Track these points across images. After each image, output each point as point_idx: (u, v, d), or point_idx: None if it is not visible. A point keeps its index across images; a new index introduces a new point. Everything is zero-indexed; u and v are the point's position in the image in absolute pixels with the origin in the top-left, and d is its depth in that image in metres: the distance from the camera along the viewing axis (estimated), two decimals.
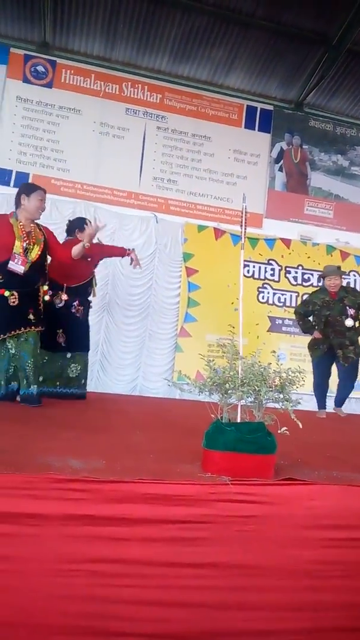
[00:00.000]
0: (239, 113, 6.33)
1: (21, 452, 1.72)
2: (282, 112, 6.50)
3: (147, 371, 5.58)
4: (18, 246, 3.13)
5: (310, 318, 4.57)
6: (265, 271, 6.22)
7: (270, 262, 6.23)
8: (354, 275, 6.29)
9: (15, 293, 3.09)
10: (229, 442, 1.56)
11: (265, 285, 6.19)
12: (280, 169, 6.44)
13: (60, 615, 1.41)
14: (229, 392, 1.58)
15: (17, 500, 1.39)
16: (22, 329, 3.12)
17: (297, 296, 6.23)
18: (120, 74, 5.97)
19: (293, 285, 6.29)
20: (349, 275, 6.24)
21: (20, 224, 3.20)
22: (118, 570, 1.44)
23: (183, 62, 6.02)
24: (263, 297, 6.16)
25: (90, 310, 5.39)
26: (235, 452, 1.55)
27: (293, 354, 6.04)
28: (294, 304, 6.21)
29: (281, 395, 1.62)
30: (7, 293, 3.08)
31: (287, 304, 6.23)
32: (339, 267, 4.69)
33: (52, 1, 5.25)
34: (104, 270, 5.45)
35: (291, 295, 6.26)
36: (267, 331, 6.09)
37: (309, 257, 6.33)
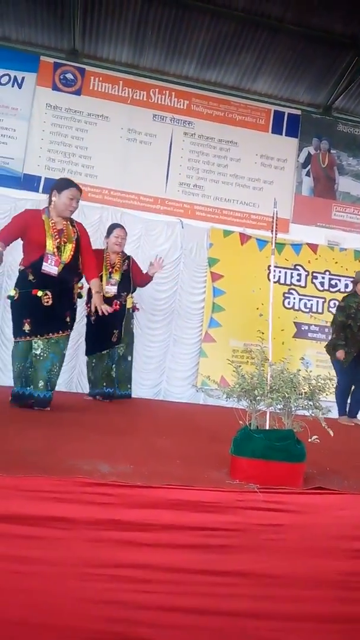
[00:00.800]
0: (266, 118, 6.30)
1: (49, 455, 1.74)
2: (310, 117, 6.45)
3: (171, 376, 5.57)
4: (50, 245, 3.01)
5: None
6: (292, 276, 6.16)
7: (297, 267, 6.17)
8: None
9: (49, 293, 2.97)
10: (258, 449, 1.54)
11: (291, 291, 6.13)
12: (308, 174, 6.38)
13: (87, 619, 1.41)
14: (258, 398, 1.57)
15: (45, 503, 1.40)
16: (60, 332, 3.02)
17: (323, 302, 6.15)
18: (148, 80, 6.01)
19: (320, 290, 6.21)
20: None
21: (52, 221, 3.08)
22: (144, 575, 1.43)
23: (211, 67, 6.02)
24: (289, 303, 6.10)
25: None
26: (264, 459, 1.53)
27: (319, 360, 5.95)
28: (320, 310, 6.13)
29: (311, 403, 1.60)
30: (40, 293, 2.96)
31: (314, 310, 6.15)
32: None
33: (81, 9, 5.32)
34: None
35: (317, 301, 6.18)
36: (293, 337, 6.02)
37: (336, 263, 6.24)
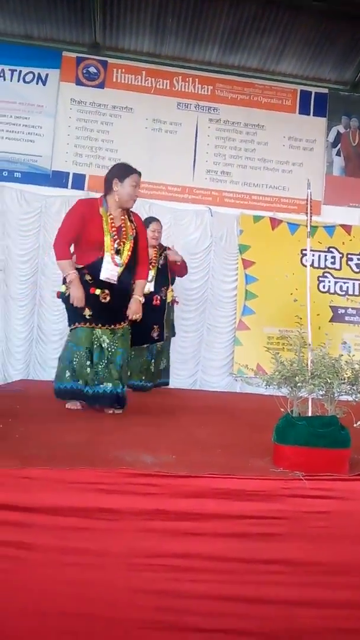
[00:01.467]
0: (293, 99, 6.15)
1: (92, 447, 1.76)
2: (338, 95, 6.26)
3: (206, 365, 5.56)
4: (108, 245, 2.75)
5: None
6: (326, 259, 6.03)
7: (331, 249, 6.04)
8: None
9: (107, 290, 2.76)
10: (301, 436, 1.52)
11: (326, 274, 6.00)
12: (338, 154, 6.21)
13: (136, 609, 1.42)
14: (299, 385, 1.54)
15: (91, 495, 1.42)
16: (123, 323, 2.83)
17: (359, 284, 6.02)
18: (170, 68, 5.95)
19: (356, 272, 6.06)
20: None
21: (110, 216, 2.80)
22: (191, 565, 1.44)
23: (233, 52, 5.92)
24: (324, 287, 5.98)
25: None
26: (308, 446, 1.51)
27: (358, 344, 5.85)
28: (357, 292, 6.00)
29: (354, 388, 1.56)
30: (98, 291, 2.74)
31: (350, 292, 6.02)
32: None
33: (101, 1, 5.30)
34: None
35: (354, 284, 6.04)
36: (330, 321, 5.91)
37: None
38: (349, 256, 6.07)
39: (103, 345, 2.76)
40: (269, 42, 5.75)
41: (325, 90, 6.24)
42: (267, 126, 6.00)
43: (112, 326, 2.80)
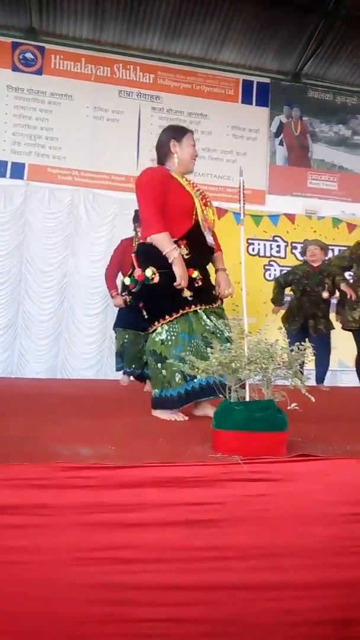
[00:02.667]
0: (235, 88, 6.19)
1: (29, 442, 1.71)
2: (280, 85, 6.35)
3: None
4: (199, 209, 2.38)
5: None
6: (271, 248, 6.13)
7: (276, 238, 6.14)
8: None
9: (199, 272, 2.37)
10: (239, 421, 1.53)
11: (271, 263, 6.11)
12: (281, 143, 6.31)
13: (82, 604, 1.40)
14: (236, 371, 1.55)
15: (27, 491, 1.38)
16: (216, 303, 2.46)
17: None
18: (111, 55, 5.85)
19: (300, 261, 6.18)
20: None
21: (184, 179, 2.46)
22: (135, 556, 1.43)
23: (175, 39, 5.88)
24: (270, 275, 6.08)
25: (96, 298, 5.41)
26: (246, 431, 1.52)
27: None
28: None
29: (290, 372, 1.59)
30: (195, 274, 2.34)
31: None
32: (318, 239, 4.83)
33: None
34: (106, 257, 5.41)
35: None
36: None
37: (315, 232, 6.22)
38: (294, 244, 6.20)
39: (219, 326, 2.21)
40: (211, 30, 5.75)
41: (268, 80, 6.33)
42: (210, 115, 6.02)
43: (211, 306, 2.39)
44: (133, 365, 4.09)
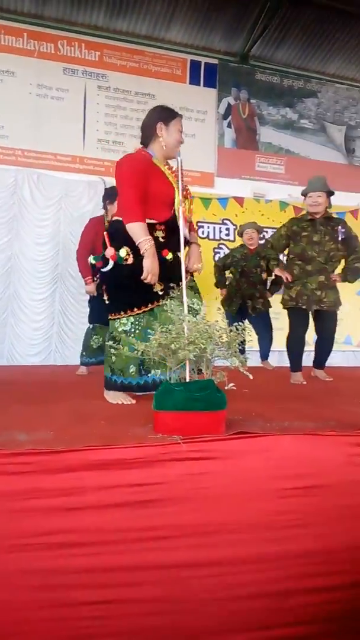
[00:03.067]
0: (183, 68, 6.12)
1: None
2: (227, 66, 6.32)
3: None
4: (178, 200, 2.29)
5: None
6: (220, 231, 6.15)
7: (225, 221, 6.17)
8: None
9: (175, 256, 2.32)
10: (179, 401, 1.54)
11: (221, 246, 6.14)
12: (229, 125, 6.30)
13: (21, 590, 1.39)
14: (176, 352, 1.55)
15: None
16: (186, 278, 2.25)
17: None
18: (54, 31, 5.64)
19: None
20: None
21: (167, 167, 2.41)
22: (74, 539, 1.42)
23: (120, 16, 5.73)
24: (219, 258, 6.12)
25: (43, 282, 5.29)
26: (185, 411, 1.53)
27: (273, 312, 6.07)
28: None
29: (229, 352, 1.60)
30: (170, 255, 2.31)
31: None
32: (254, 222, 4.96)
33: None
34: (53, 239, 5.29)
35: None
36: None
37: (262, 215, 6.29)
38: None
39: (195, 307, 2.04)
40: (157, 7, 5.64)
41: (215, 61, 6.28)
42: (158, 95, 5.93)
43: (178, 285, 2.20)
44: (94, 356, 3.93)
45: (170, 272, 2.24)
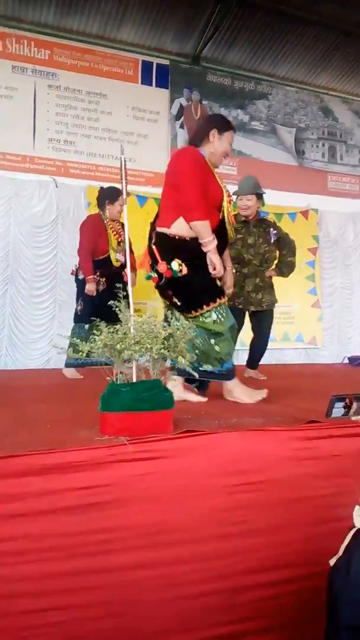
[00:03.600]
0: (135, 68, 6.09)
1: None
2: (179, 67, 6.34)
3: (60, 343, 5.40)
4: (225, 204, 2.43)
5: None
6: None
7: None
8: None
9: None
10: (125, 402, 1.53)
11: None
12: (182, 126, 6.32)
13: None
14: (122, 352, 1.54)
15: None
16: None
17: None
18: (2, 29, 5.51)
19: None
20: None
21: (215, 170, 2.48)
22: (19, 547, 1.39)
23: (71, 15, 5.65)
24: None
25: None
26: (132, 411, 1.52)
27: None
28: None
29: (173, 351, 1.61)
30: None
31: None
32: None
33: None
34: (3, 240, 5.16)
35: None
36: None
37: None
38: None
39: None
40: (108, 7, 5.60)
41: (167, 62, 6.28)
42: (109, 95, 5.90)
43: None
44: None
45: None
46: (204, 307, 2.33)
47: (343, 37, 6.29)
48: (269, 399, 2.32)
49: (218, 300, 2.35)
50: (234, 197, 3.59)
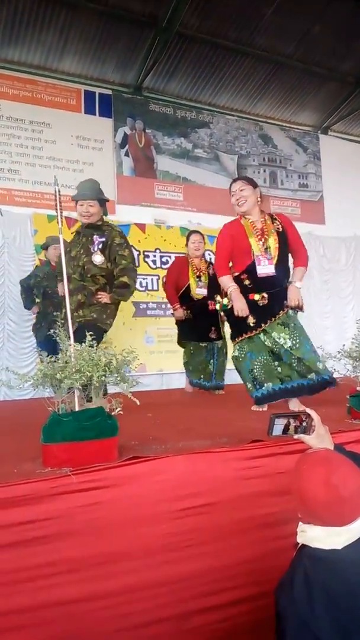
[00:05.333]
0: (77, 98, 6.16)
1: None
2: (122, 97, 6.45)
3: (10, 375, 5.26)
4: (255, 246, 2.86)
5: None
6: None
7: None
8: (209, 255, 6.52)
9: (266, 295, 2.82)
10: (68, 432, 1.51)
11: None
12: (127, 154, 6.41)
13: None
14: (62, 381, 1.53)
15: None
16: (282, 312, 2.80)
17: (157, 279, 6.31)
18: None
19: (153, 269, 6.35)
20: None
21: (250, 221, 2.93)
22: None
23: (12, 45, 5.69)
24: None
25: None
26: (75, 441, 1.51)
27: (160, 335, 6.13)
28: (155, 287, 6.29)
29: (118, 377, 1.61)
30: (257, 297, 2.81)
31: (149, 288, 6.29)
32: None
33: None
34: None
35: (152, 279, 6.33)
36: (133, 317, 6.10)
37: (165, 240, 6.42)
38: (146, 253, 6.34)
39: (287, 345, 2.75)
40: (49, 38, 5.67)
41: (109, 92, 6.39)
42: (53, 124, 5.93)
43: (276, 317, 2.79)
44: (202, 376, 4.23)
45: (260, 309, 2.79)
46: (234, 339, 3.00)
47: (278, 68, 6.61)
48: (217, 420, 2.34)
49: (241, 336, 2.87)
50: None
